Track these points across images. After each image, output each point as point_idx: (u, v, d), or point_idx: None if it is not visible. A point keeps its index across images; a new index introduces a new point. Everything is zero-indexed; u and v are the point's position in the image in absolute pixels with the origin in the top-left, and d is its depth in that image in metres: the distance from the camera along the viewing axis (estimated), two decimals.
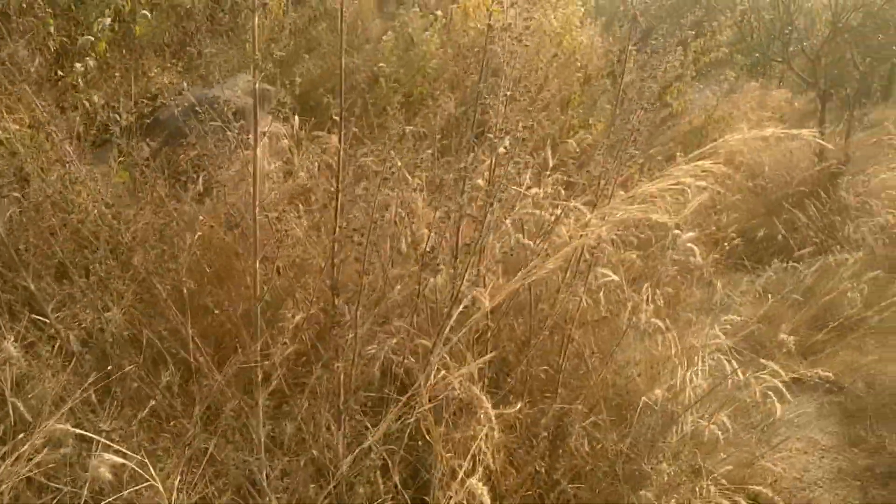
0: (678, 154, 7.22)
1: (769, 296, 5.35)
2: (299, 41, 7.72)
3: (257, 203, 2.04)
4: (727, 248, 5.37)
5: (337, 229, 2.00)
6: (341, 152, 2.19)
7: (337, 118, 5.56)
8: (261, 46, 7.43)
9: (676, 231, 2.95)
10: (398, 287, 2.05)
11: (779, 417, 3.63)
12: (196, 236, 2.30)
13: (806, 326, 4.78)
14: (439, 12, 7.78)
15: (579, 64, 7.67)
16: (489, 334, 2.42)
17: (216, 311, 2.17)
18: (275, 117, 5.84)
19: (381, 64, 6.97)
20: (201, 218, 2.69)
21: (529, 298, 2.64)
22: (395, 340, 1.90)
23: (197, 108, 3.65)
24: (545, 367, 2.67)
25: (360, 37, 7.85)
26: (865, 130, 11.86)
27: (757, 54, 10.10)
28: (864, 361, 4.12)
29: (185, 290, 2.02)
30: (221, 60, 6.75)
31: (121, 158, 4.14)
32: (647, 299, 2.71)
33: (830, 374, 4.21)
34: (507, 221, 2.19)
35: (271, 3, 7.87)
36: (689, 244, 2.96)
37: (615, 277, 2.58)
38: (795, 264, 5.82)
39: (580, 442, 2.43)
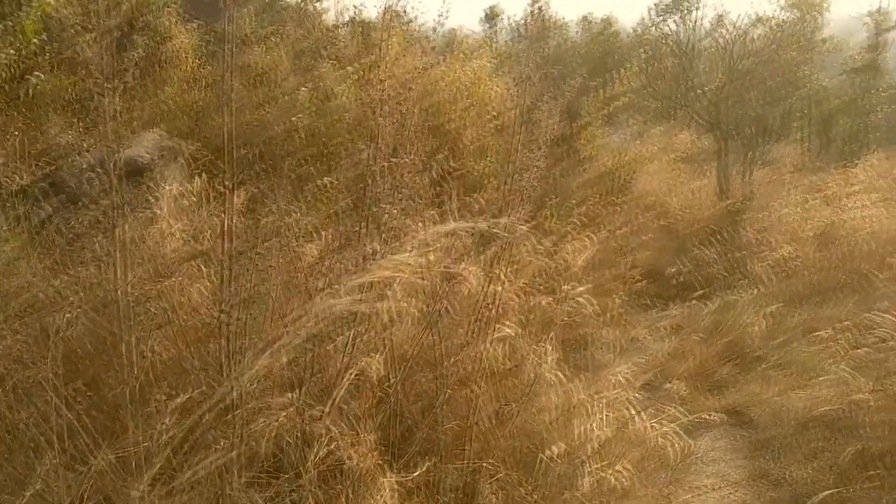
0: (591, 197, 7.51)
1: (679, 332, 5.55)
2: (213, 94, 7.63)
3: (128, 281, 1.97)
4: (634, 288, 5.55)
5: (224, 298, 1.95)
6: (231, 219, 2.15)
7: (253, 172, 5.49)
8: (174, 101, 7.32)
9: (566, 287, 3.03)
10: (285, 359, 2.01)
11: (691, 455, 3.74)
12: (73, 314, 2.20)
13: (714, 360, 4.95)
14: (356, 64, 7.87)
15: (494, 114, 7.90)
16: (392, 397, 2.39)
17: (90, 395, 2.06)
18: (185, 173, 5.72)
19: (296, 116, 6.97)
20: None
21: (435, 354, 2.64)
22: (284, 414, 1.85)
23: (98, 169, 3.53)
24: (455, 423, 2.66)
25: (275, 90, 7.83)
26: (766, 167, 12.62)
27: (664, 99, 10.64)
28: (768, 394, 4.29)
29: (59, 373, 1.92)
30: (129, 117, 6.59)
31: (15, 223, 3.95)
32: (550, 349, 2.76)
33: (736, 409, 4.39)
34: (395, 285, 2.20)
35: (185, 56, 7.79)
36: (582, 296, 3.04)
37: (513, 331, 2.62)
38: (702, 301, 6.09)
39: (489, 500, 2.42)
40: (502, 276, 2.93)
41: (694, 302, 5.91)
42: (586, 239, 6.10)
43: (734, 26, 10.47)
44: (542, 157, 7.02)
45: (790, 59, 14.96)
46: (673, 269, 6.49)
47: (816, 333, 4.14)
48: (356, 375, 1.79)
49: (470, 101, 7.52)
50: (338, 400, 1.75)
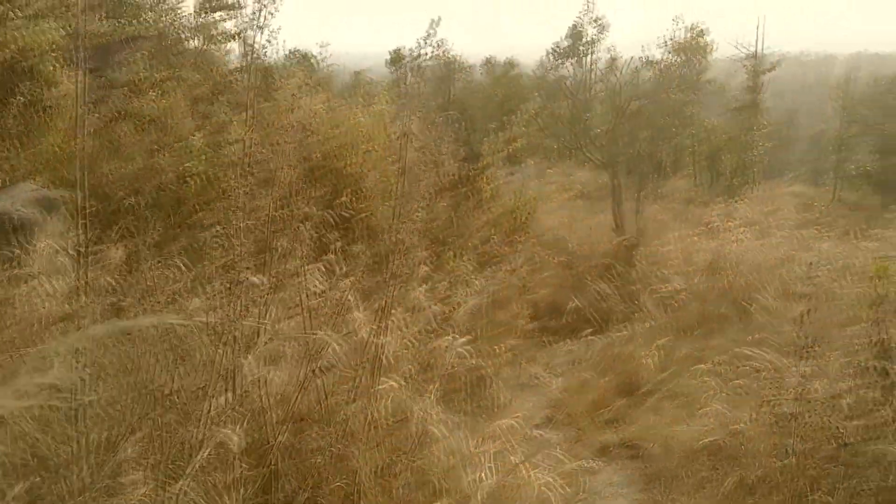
0: (493, 236, 7.66)
1: (577, 367, 5.69)
2: (101, 142, 7.32)
3: None
4: (533, 326, 5.67)
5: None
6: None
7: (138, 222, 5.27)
8: (58, 149, 6.96)
9: (449, 337, 3.05)
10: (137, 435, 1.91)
11: (588, 491, 3.79)
12: None
13: (610, 394, 5.09)
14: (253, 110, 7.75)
15: (395, 157, 7.96)
16: (271, 461, 2.31)
17: None
18: (65, 226, 5.41)
19: (190, 162, 6.80)
20: None
21: (319, 411, 2.58)
22: (141, 493, 1.75)
23: None
24: (341, 482, 2.59)
25: (170, 135, 7.61)
26: (660, 201, 13.30)
27: (561, 139, 11.08)
28: (659, 425, 4.44)
29: None
30: (9, 167, 6.24)
31: None
32: (434, 399, 2.76)
33: (630, 442, 4.51)
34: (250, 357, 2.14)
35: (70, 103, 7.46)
36: (477, 339, 3.06)
37: (399, 383, 2.60)
38: (599, 336, 6.28)
39: None
40: (393, 325, 2.91)
41: (591, 337, 6.08)
42: (484, 280, 6.21)
43: (623, 70, 11.07)
44: (439, 201, 7.14)
45: (678, 100, 16.02)
46: (572, 305, 6.67)
47: (699, 366, 4.33)
48: (218, 445, 1.71)
49: (371, 145, 7.57)
50: (195, 472, 1.66)
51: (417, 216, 7.77)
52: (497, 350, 4.07)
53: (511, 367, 5.16)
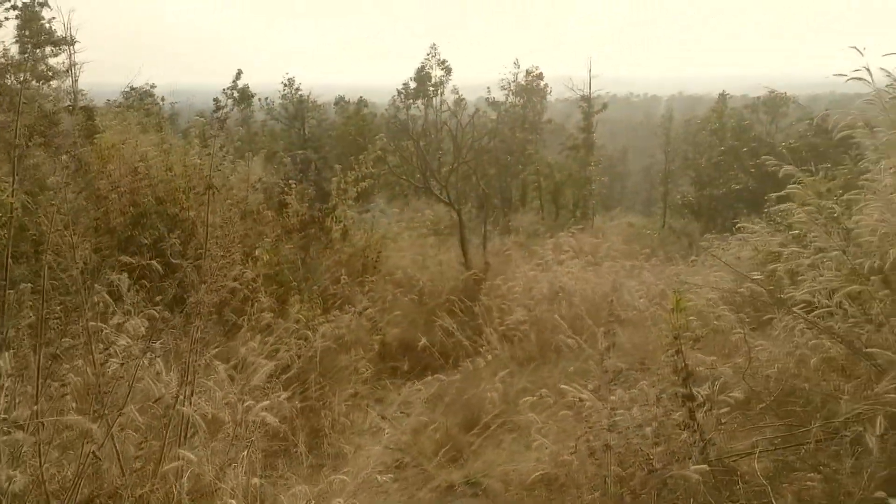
0: (342, 277, 7.59)
1: (426, 405, 5.72)
2: None
3: None
4: (372, 372, 5.64)
5: None
6: None
7: None
8: None
9: (249, 402, 2.96)
10: None
11: None
12: None
13: (456, 430, 5.15)
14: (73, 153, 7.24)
15: (237, 198, 7.71)
16: None
17: None
18: None
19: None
20: None
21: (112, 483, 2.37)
22: None
23: None
24: None
25: None
26: (509, 235, 13.87)
27: (410, 177, 11.27)
28: (501, 459, 4.54)
29: None
30: None
31: None
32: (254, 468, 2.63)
33: (474, 478, 4.58)
34: None
35: None
36: (262, 413, 2.96)
37: (203, 454, 2.45)
38: (448, 372, 6.37)
39: None
40: (210, 385, 2.76)
41: (439, 375, 6.15)
42: (329, 323, 6.12)
43: (463, 111, 11.51)
44: (285, 243, 6.95)
45: (521, 139, 16.94)
46: (422, 343, 6.72)
47: (527, 399, 4.47)
48: None
49: (205, 187, 7.27)
50: None
51: (260, 261, 7.52)
52: (337, 398, 3.99)
53: (357, 413, 5.09)
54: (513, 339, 6.43)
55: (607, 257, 8.35)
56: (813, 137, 11.45)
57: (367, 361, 6.05)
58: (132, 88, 13.04)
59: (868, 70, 3.55)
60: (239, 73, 14.92)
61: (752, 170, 12.27)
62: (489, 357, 6.02)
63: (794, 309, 4.11)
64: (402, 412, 5.46)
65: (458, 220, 8.71)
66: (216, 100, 13.83)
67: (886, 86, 3.83)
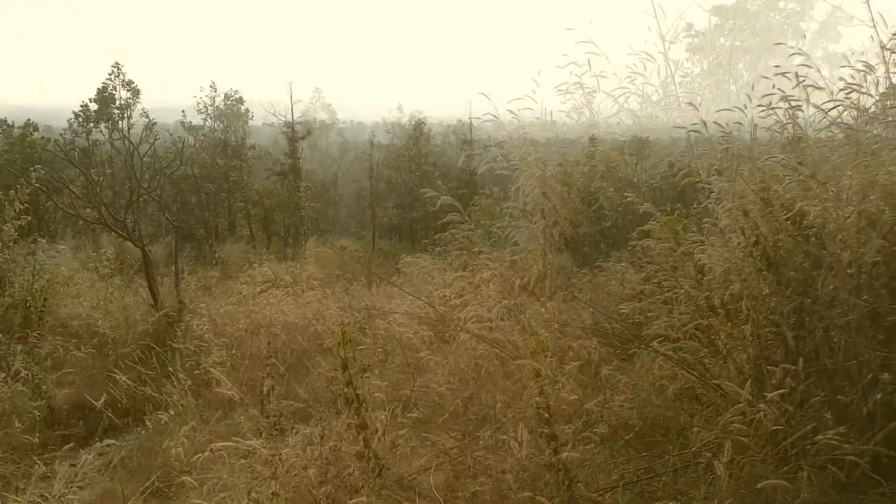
0: None
1: (107, 471, 5.02)
2: None
3: None
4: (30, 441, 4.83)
5: None
6: None
7: None
8: None
9: None
10: None
11: None
12: None
13: (140, 498, 4.60)
14: None
15: None
16: None
17: None
18: None
19: None
20: None
21: None
22: None
23: None
24: None
25: None
26: (216, 267, 13.12)
27: (88, 210, 9.97)
28: None
29: None
30: None
31: None
32: None
33: None
34: None
35: None
36: None
37: None
38: (134, 428, 5.71)
39: None
40: None
41: (125, 435, 5.49)
42: None
43: (154, 138, 10.57)
44: None
45: (223, 165, 16.23)
46: (102, 401, 5.91)
47: (200, 455, 4.11)
48: None
49: None
50: None
51: None
52: None
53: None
54: (209, 383, 5.99)
55: (313, 285, 8.31)
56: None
57: (25, 432, 5.16)
58: None
59: (495, 115, 3.95)
60: None
61: (445, 193, 13.36)
62: (180, 407, 5.53)
63: (653, 343, 4.26)
64: (78, 484, 4.71)
65: (143, 257, 7.92)
66: None
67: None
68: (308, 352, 6.22)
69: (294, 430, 3.17)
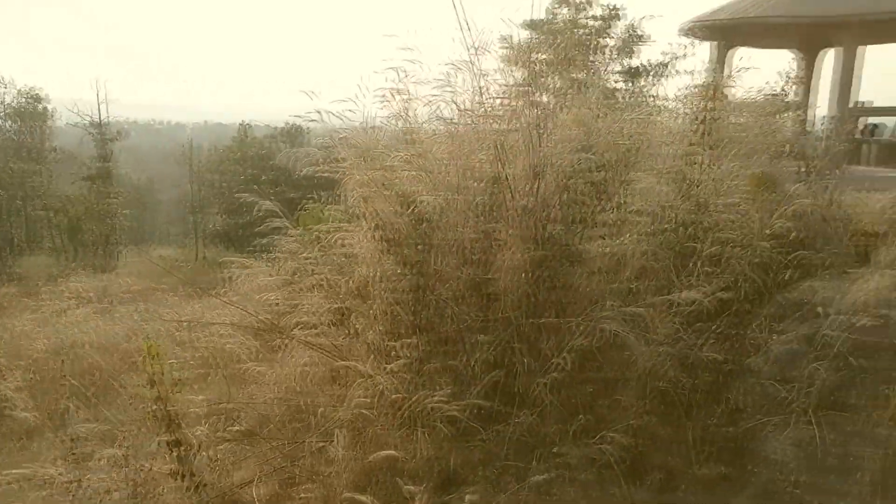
0: None
1: None
2: None
3: None
4: None
5: None
6: None
7: None
8: None
9: None
10: None
11: None
12: None
13: None
14: None
15: None
16: None
17: None
18: None
19: None
20: None
21: None
22: None
23: None
24: None
25: None
26: (12, 283, 11.75)
27: None
28: None
29: None
30: None
31: None
32: None
33: None
34: None
35: None
36: None
37: None
38: None
39: None
40: None
41: None
42: None
43: None
44: None
45: (19, 170, 14.56)
46: None
47: None
48: None
49: None
50: None
51: None
52: None
53: None
54: (2, 411, 5.37)
55: (126, 299, 7.72)
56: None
57: None
58: None
59: (320, 112, 3.94)
60: None
61: (272, 197, 12.96)
62: None
63: (294, 331, 4.34)
64: None
65: None
66: None
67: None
68: (119, 371, 5.76)
69: (97, 455, 2.94)
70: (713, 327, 3.24)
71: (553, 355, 3.38)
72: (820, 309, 3.07)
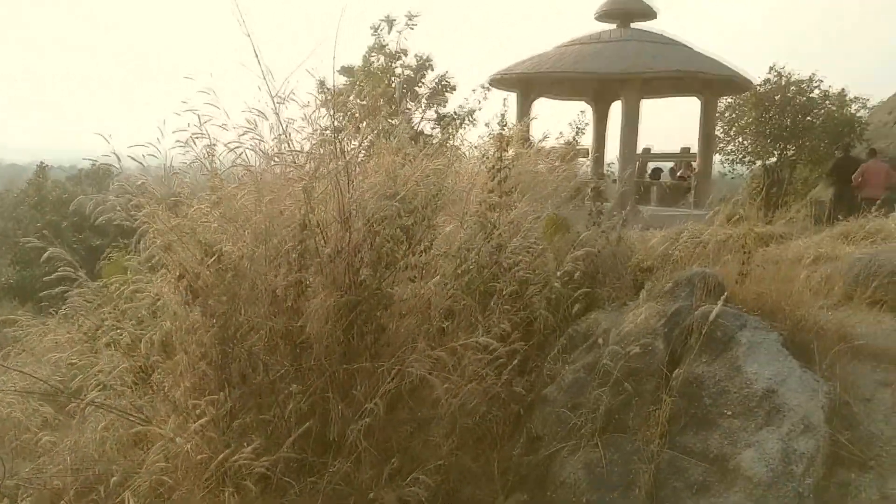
0: None
1: None
2: None
3: None
4: None
5: None
6: None
7: None
8: None
9: None
10: None
11: None
12: None
13: None
14: None
15: None
16: None
17: None
18: None
19: None
20: None
21: None
22: None
23: None
24: None
25: None
26: None
27: None
28: None
29: None
30: None
31: None
32: None
33: None
34: None
35: None
36: None
37: None
38: None
39: None
40: None
41: None
42: None
43: None
44: None
45: None
46: None
47: None
48: None
49: None
50: None
51: None
52: None
53: None
54: None
55: None
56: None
57: None
58: None
59: (117, 155, 3.69)
60: None
61: (76, 245, 11.84)
62: None
63: (92, 392, 3.97)
64: None
65: None
66: None
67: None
68: None
69: None
70: (514, 362, 3.44)
71: (366, 400, 3.40)
72: (601, 339, 3.40)
